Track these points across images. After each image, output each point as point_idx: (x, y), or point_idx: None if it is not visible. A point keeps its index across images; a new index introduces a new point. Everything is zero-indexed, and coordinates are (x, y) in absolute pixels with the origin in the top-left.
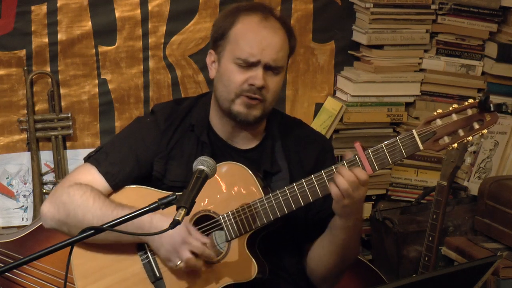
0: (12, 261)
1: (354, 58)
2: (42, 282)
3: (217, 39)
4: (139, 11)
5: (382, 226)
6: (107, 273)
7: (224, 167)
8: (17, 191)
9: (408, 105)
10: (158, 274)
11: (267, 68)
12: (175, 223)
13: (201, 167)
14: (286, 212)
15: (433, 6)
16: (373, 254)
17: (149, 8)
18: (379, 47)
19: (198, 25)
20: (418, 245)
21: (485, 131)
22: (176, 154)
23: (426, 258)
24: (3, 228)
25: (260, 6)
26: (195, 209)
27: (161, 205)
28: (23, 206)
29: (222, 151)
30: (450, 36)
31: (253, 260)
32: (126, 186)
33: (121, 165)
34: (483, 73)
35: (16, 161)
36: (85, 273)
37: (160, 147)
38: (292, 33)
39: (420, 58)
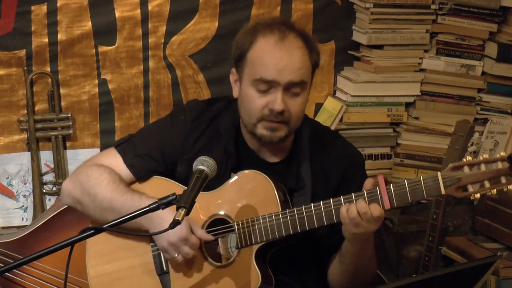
0: (12, 261)
1: (354, 58)
2: (42, 282)
3: (237, 60)
4: (139, 11)
5: (382, 226)
6: (117, 257)
7: (248, 175)
8: (17, 191)
9: (408, 105)
10: (165, 268)
11: (287, 90)
12: (175, 223)
13: (201, 167)
14: (299, 230)
15: (433, 6)
16: None
17: (149, 8)
18: (379, 47)
19: (198, 25)
20: (418, 245)
21: (511, 187)
22: None
23: (426, 258)
24: (3, 228)
25: (279, 23)
26: (213, 211)
27: (161, 205)
28: (23, 206)
29: (250, 162)
30: (450, 36)
31: (258, 272)
32: (154, 176)
33: (146, 160)
34: (483, 73)
35: (16, 161)
36: (97, 253)
37: (186, 148)
38: (314, 48)
39: (420, 58)
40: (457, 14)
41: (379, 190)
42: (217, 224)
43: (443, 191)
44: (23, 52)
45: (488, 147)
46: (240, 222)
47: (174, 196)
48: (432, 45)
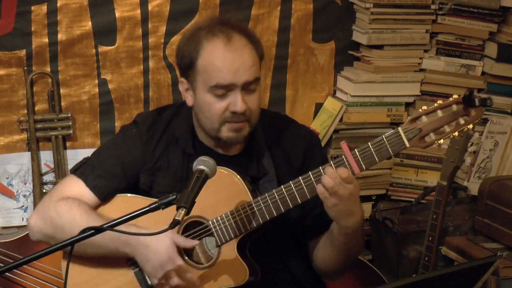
0: (12, 261)
1: (354, 58)
2: (42, 282)
3: (186, 69)
4: (139, 11)
5: (382, 226)
6: (99, 283)
7: None
8: (17, 191)
9: (408, 105)
10: (149, 282)
11: (244, 89)
12: (175, 223)
13: (201, 167)
14: (275, 214)
15: (433, 6)
16: (373, 254)
17: (149, 8)
18: (379, 47)
19: None
20: (418, 245)
21: (470, 126)
22: (163, 165)
23: (426, 258)
24: (3, 228)
25: (219, 23)
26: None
27: (161, 205)
28: (23, 206)
29: None
30: (450, 36)
31: (244, 264)
32: (117, 195)
33: (108, 178)
34: (483, 73)
35: (16, 161)
36: (77, 285)
37: (145, 158)
38: (257, 41)
39: (420, 58)
40: (457, 14)
41: (345, 157)
42: (192, 227)
43: (407, 144)
44: (23, 52)
45: (488, 147)
46: (215, 219)
47: (174, 196)
48: (432, 45)
